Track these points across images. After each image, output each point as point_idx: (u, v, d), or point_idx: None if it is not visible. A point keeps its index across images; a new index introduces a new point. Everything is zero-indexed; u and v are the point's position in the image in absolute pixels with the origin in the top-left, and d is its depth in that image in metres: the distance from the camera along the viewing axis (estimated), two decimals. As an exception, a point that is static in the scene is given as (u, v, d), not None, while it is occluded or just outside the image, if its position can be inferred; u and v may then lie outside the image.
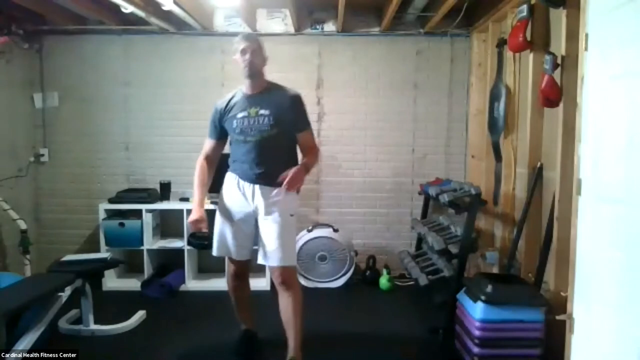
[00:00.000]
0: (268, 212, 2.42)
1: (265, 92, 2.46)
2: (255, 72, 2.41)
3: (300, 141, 2.52)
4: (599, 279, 1.95)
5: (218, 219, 2.55)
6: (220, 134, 2.55)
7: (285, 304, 2.45)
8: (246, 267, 2.63)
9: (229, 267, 2.62)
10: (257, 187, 2.44)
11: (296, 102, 2.47)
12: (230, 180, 2.53)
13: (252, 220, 2.50)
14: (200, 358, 2.66)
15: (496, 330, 2.40)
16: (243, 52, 2.38)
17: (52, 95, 4.03)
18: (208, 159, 2.57)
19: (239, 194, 2.48)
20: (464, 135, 4.10)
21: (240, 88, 2.51)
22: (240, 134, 2.42)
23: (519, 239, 2.87)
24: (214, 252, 2.56)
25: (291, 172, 2.27)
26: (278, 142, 2.43)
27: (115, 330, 2.95)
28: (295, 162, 2.47)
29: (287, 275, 2.44)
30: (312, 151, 2.50)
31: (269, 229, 2.41)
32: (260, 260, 2.47)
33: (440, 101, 4.10)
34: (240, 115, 2.42)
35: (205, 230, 2.44)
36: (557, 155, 2.44)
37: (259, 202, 2.43)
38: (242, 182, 2.47)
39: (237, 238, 2.51)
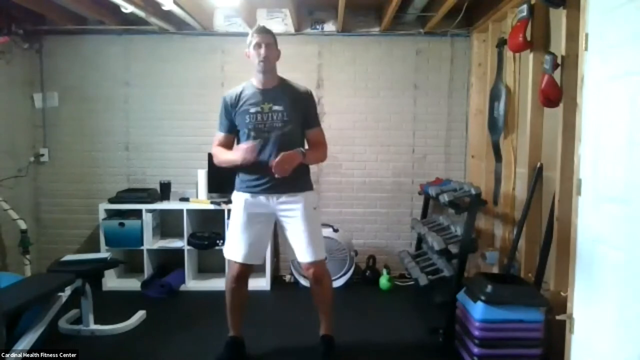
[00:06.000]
0: (290, 210, 2.41)
1: (278, 88, 2.42)
2: (269, 67, 2.38)
3: (311, 138, 2.49)
4: (599, 279, 1.95)
5: (235, 224, 2.46)
6: (231, 126, 2.46)
7: (318, 292, 2.58)
8: (250, 271, 2.54)
9: (231, 270, 2.51)
10: (274, 185, 2.38)
11: (308, 98, 2.48)
12: (244, 182, 2.46)
13: (271, 222, 2.47)
14: (200, 358, 2.65)
15: (496, 330, 2.39)
16: (257, 46, 2.32)
17: (52, 95, 4.03)
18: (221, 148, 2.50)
19: (256, 196, 2.42)
20: (464, 135, 4.10)
21: (251, 81, 2.45)
22: (253, 129, 2.37)
23: (519, 239, 2.86)
24: (239, 259, 2.44)
25: (281, 155, 2.23)
26: (291, 139, 2.39)
27: (115, 330, 2.95)
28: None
29: (319, 269, 2.47)
30: (320, 146, 2.49)
31: (295, 227, 2.41)
32: (299, 259, 2.46)
33: (440, 101, 4.10)
34: (253, 110, 2.37)
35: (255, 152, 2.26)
36: (557, 155, 2.44)
37: (279, 203, 2.41)
38: (258, 184, 2.40)
39: (256, 242, 2.46)
